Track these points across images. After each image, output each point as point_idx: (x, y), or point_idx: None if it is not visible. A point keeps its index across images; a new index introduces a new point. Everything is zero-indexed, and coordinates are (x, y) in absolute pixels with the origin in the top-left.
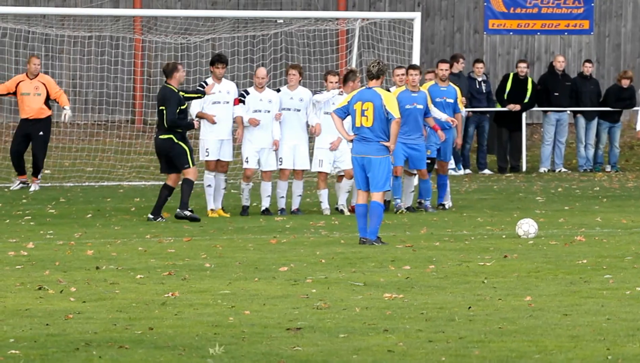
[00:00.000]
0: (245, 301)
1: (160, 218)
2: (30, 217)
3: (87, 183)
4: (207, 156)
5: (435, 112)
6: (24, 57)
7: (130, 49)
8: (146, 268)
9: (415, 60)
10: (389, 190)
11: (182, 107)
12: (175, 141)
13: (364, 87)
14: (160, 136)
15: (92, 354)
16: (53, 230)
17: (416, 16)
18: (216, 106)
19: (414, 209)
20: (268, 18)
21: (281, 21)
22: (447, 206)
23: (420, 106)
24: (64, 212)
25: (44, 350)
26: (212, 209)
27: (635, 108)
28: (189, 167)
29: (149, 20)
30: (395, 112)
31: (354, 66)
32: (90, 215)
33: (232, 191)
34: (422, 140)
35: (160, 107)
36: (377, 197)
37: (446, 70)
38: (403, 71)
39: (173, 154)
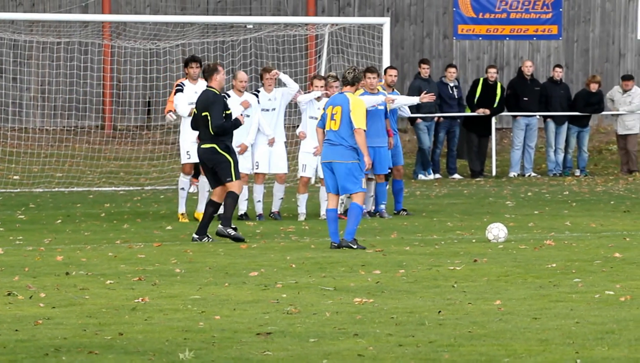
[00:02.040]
0: (215, 307)
1: (206, 238)
2: None
3: (56, 189)
4: (189, 158)
5: (403, 100)
6: None
7: (100, 55)
8: (116, 273)
9: (385, 65)
10: (364, 191)
11: (227, 111)
12: (219, 150)
13: (338, 93)
14: (203, 146)
15: (61, 360)
16: (22, 235)
17: (385, 21)
18: (192, 107)
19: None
20: (237, 24)
21: (250, 27)
22: (407, 212)
23: (382, 107)
24: (34, 218)
25: (13, 356)
26: (182, 214)
27: (603, 113)
28: (232, 181)
29: (118, 26)
30: (357, 122)
31: (323, 71)
32: (59, 221)
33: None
34: (386, 142)
35: (204, 113)
36: (356, 198)
37: (395, 76)
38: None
39: (216, 166)
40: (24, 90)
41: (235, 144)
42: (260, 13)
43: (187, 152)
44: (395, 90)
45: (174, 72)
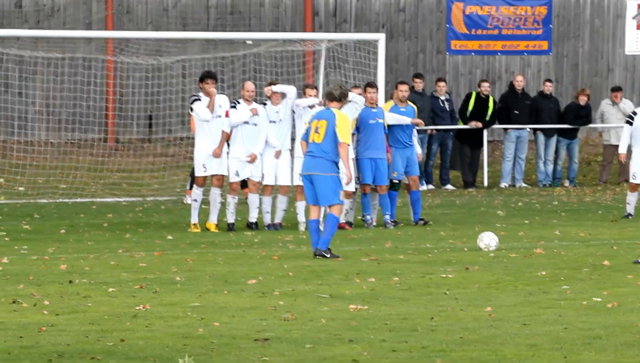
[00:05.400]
0: (214, 313)
1: None
2: (5, 233)
3: (60, 200)
4: (205, 171)
5: (399, 119)
6: None
7: (103, 70)
8: (118, 281)
9: (380, 79)
10: (342, 204)
11: None
12: None
13: (325, 108)
14: None
15: None
16: (27, 245)
17: (381, 37)
18: (211, 120)
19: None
20: (237, 39)
21: (250, 42)
22: (424, 221)
23: (382, 121)
24: (38, 228)
25: (18, 362)
26: (195, 224)
27: (591, 125)
28: None
29: (120, 42)
30: (342, 136)
31: (320, 85)
32: (63, 231)
33: (203, 206)
34: (385, 155)
35: None
36: (333, 209)
37: (406, 91)
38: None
39: None
40: (29, 104)
41: (245, 153)
42: (259, 29)
43: (203, 165)
44: (410, 104)
45: (174, 86)
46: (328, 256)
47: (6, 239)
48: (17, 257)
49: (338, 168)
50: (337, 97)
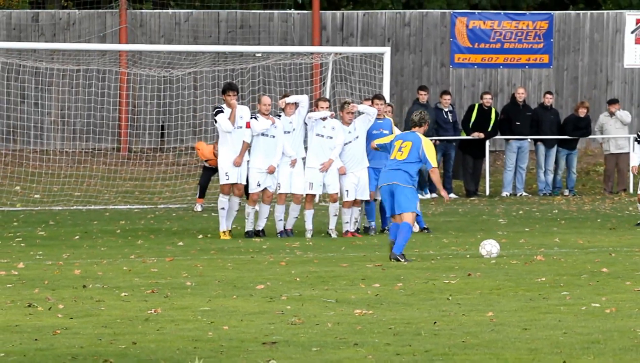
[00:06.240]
0: (223, 317)
1: None
2: (21, 239)
3: (75, 207)
4: (228, 179)
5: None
6: (15, 90)
7: (116, 82)
8: (130, 286)
9: (385, 92)
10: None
11: None
12: None
13: (408, 131)
14: None
15: None
16: (42, 250)
17: (386, 51)
18: (233, 131)
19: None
20: (247, 52)
21: (259, 55)
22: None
23: (386, 132)
24: (53, 234)
25: None
26: (224, 232)
27: (591, 136)
28: None
29: (134, 55)
30: (432, 161)
31: (328, 97)
32: (77, 237)
33: (212, 214)
34: None
35: None
36: (406, 218)
37: (381, 105)
38: (382, 102)
39: None
40: (45, 114)
41: (265, 165)
42: (268, 42)
43: (226, 173)
44: (387, 117)
45: (186, 98)
46: (403, 260)
47: (22, 245)
48: (32, 262)
49: (415, 183)
50: (418, 122)
